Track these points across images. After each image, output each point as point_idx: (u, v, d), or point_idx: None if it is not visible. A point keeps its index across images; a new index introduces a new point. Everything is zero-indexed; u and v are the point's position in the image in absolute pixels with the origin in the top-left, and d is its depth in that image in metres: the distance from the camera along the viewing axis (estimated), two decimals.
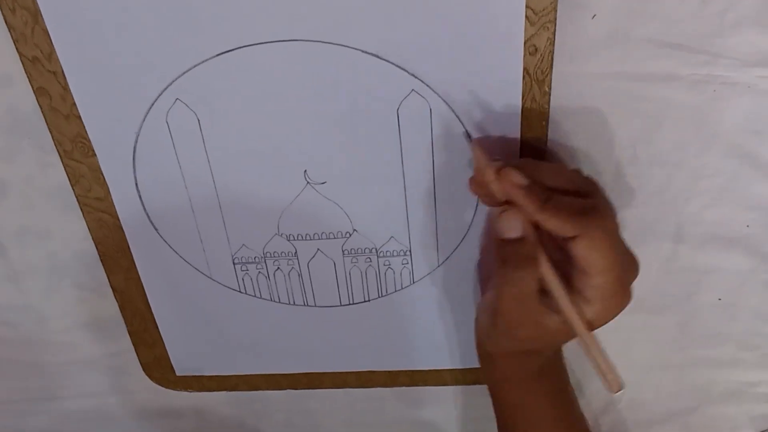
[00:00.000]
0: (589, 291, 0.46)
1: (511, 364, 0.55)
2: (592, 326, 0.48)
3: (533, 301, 0.48)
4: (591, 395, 0.68)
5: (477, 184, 0.49)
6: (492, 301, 0.50)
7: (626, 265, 0.48)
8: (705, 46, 0.49)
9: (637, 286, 0.60)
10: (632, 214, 0.57)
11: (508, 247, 0.47)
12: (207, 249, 0.60)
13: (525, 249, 0.47)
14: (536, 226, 0.47)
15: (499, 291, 0.49)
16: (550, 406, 0.57)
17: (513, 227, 0.47)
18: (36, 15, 0.48)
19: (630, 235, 0.57)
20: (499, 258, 0.48)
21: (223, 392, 0.71)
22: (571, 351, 0.65)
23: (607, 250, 0.45)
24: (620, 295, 0.47)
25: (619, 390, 0.48)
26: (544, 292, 0.48)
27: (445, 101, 0.50)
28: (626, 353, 0.64)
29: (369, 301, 0.62)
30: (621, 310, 0.48)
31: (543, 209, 0.45)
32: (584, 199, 0.47)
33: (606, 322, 0.48)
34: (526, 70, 0.48)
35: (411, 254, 0.59)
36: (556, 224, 0.45)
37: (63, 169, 0.56)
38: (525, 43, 0.47)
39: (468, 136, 0.52)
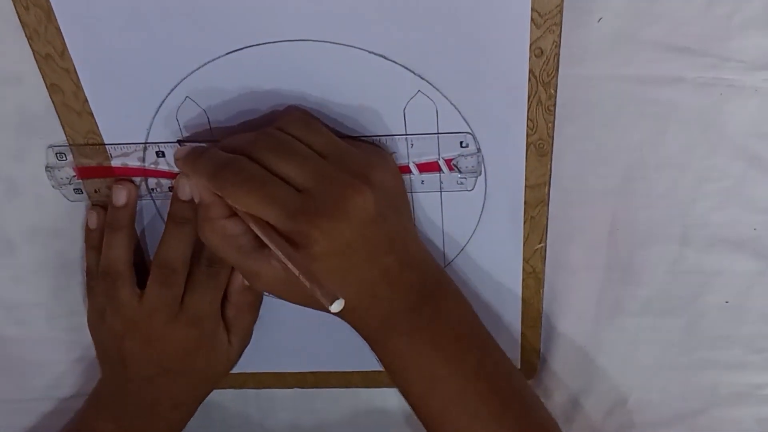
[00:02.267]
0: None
1: (353, 325, 0.55)
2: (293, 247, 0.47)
3: (235, 253, 0.51)
4: (597, 397, 0.68)
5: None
6: None
7: (321, 185, 0.48)
8: (711, 49, 0.49)
9: (644, 288, 0.60)
10: (639, 216, 0.57)
11: (199, 210, 0.52)
12: None
13: (202, 211, 0.51)
14: None
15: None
16: (424, 364, 0.54)
17: (184, 193, 0.55)
18: (49, 13, 0.48)
19: (637, 237, 0.57)
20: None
21: (229, 390, 0.71)
22: (575, 356, 0.65)
23: (247, 202, 0.47)
24: (298, 233, 0.47)
25: (334, 301, 0.44)
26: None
27: (451, 102, 0.51)
28: (633, 355, 0.64)
29: None
30: (319, 243, 0.47)
31: (194, 171, 0.50)
32: (225, 153, 0.49)
33: (320, 258, 0.47)
34: (531, 72, 0.49)
35: None
36: (205, 183, 0.49)
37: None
38: (531, 45, 0.47)
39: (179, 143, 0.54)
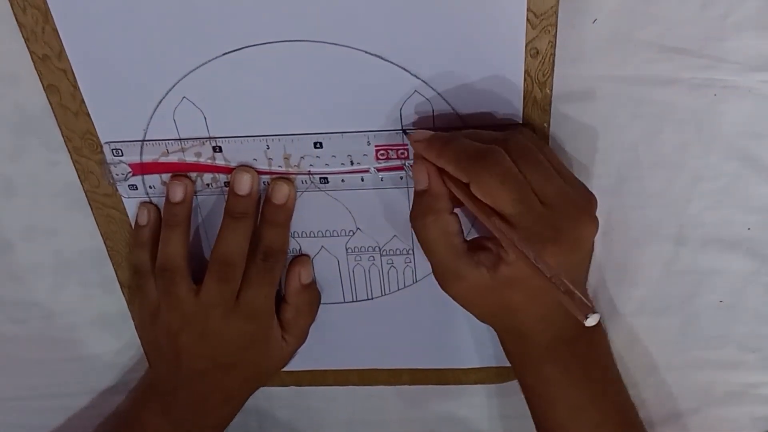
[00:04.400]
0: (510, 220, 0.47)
1: (510, 343, 0.56)
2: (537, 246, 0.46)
3: (447, 250, 0.50)
4: None
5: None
6: None
7: (553, 211, 0.47)
8: (706, 50, 0.49)
9: (639, 288, 0.60)
10: (634, 216, 0.57)
11: (418, 199, 0.50)
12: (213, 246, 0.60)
13: (429, 198, 0.50)
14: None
15: (419, 242, 0.51)
16: (572, 394, 0.55)
17: (419, 180, 0.51)
18: (46, 14, 0.49)
19: (632, 237, 0.57)
20: (412, 211, 0.51)
21: None
22: None
23: (502, 194, 0.46)
24: (541, 242, 0.46)
25: (592, 314, 0.42)
26: (478, 246, 0.50)
27: (447, 102, 0.51)
28: (628, 355, 0.65)
29: (372, 299, 0.62)
30: (559, 262, 0.47)
31: (439, 154, 0.48)
32: (481, 144, 0.47)
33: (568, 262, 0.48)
34: (527, 72, 0.49)
35: (414, 253, 0.59)
36: (452, 169, 0.48)
37: (70, 167, 0.57)
38: (526, 45, 0.48)
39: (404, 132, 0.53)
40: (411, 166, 0.53)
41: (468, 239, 0.51)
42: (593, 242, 0.51)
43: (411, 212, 0.51)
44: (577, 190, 0.49)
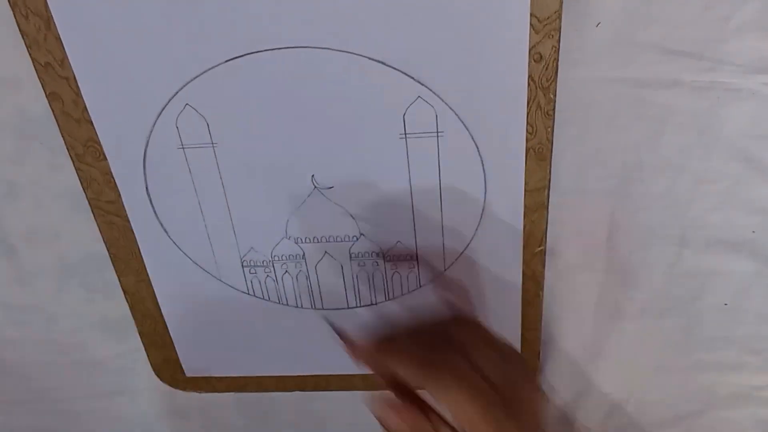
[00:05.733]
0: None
1: None
2: None
3: None
4: (596, 399, 0.68)
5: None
6: None
7: (503, 403, 0.47)
8: (708, 53, 0.49)
9: (643, 290, 0.60)
10: (637, 218, 0.57)
11: None
12: (216, 252, 0.60)
13: None
14: None
15: None
16: None
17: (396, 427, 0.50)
18: (48, 21, 0.49)
19: (635, 239, 0.57)
20: None
21: (230, 393, 0.71)
22: (575, 358, 0.66)
23: (465, 404, 0.45)
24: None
25: None
26: None
27: (450, 108, 0.51)
28: (632, 357, 0.65)
29: (376, 304, 0.62)
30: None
31: (388, 365, 0.48)
32: (430, 353, 0.47)
33: None
34: (531, 77, 0.49)
35: (417, 259, 0.59)
36: (402, 375, 0.47)
37: (72, 171, 0.56)
38: (530, 50, 0.48)
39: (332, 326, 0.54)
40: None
41: None
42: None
43: None
44: (518, 363, 0.50)
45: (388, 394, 0.50)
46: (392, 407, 0.49)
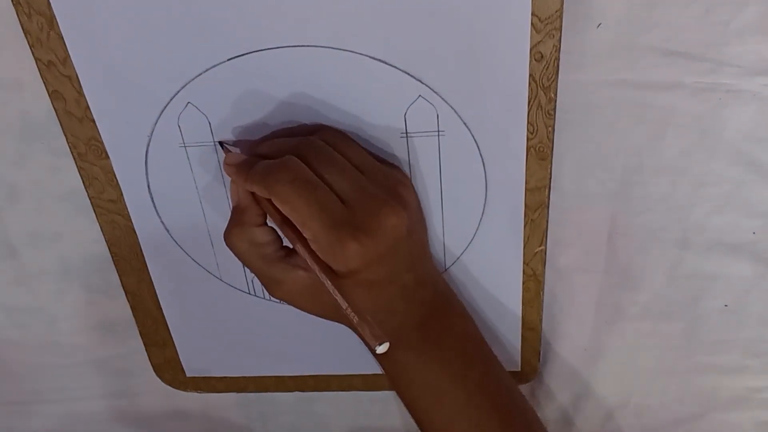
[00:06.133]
0: (311, 244, 0.48)
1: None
2: (335, 276, 0.48)
3: (260, 261, 0.52)
4: (596, 401, 0.68)
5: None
6: None
7: (354, 205, 0.48)
8: (709, 55, 0.49)
9: (643, 292, 0.60)
10: (638, 220, 0.57)
11: (231, 215, 0.52)
12: (218, 251, 0.60)
13: (236, 214, 0.52)
14: None
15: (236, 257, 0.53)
16: (430, 378, 0.54)
17: (233, 196, 0.52)
18: (51, 20, 0.49)
19: (636, 241, 0.57)
20: (225, 229, 0.53)
21: (231, 394, 0.71)
22: (575, 359, 0.65)
23: (296, 201, 0.47)
24: (342, 240, 0.47)
25: (381, 343, 0.46)
26: (293, 252, 0.51)
27: (451, 107, 0.51)
28: (632, 359, 0.65)
29: None
30: (363, 254, 0.48)
31: (246, 180, 0.49)
32: (276, 159, 0.48)
33: (350, 268, 0.48)
34: (531, 76, 0.49)
35: None
36: (258, 191, 0.49)
37: (74, 172, 0.57)
38: (531, 50, 0.48)
39: (221, 145, 0.54)
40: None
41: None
42: (405, 230, 0.50)
43: (224, 230, 0.53)
44: (378, 182, 0.50)
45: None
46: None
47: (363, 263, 0.48)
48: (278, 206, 0.48)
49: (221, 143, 0.54)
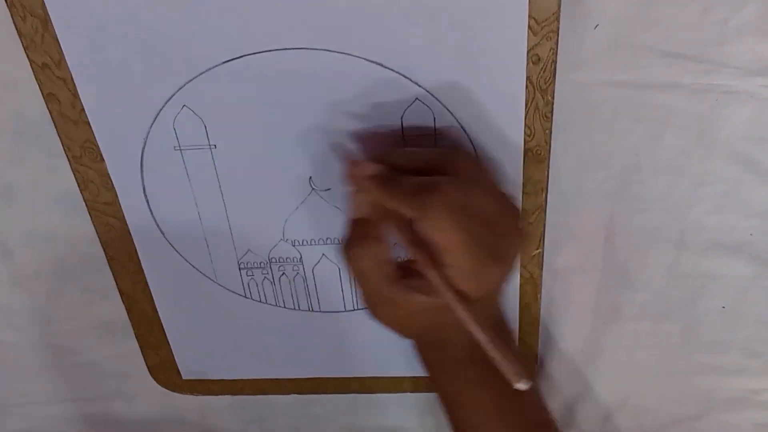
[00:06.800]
0: (449, 270, 0.46)
1: (430, 352, 0.55)
2: (467, 301, 0.47)
3: (381, 280, 0.49)
4: (594, 402, 0.68)
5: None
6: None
7: (492, 231, 0.47)
8: (707, 55, 0.49)
9: (641, 292, 0.60)
10: (635, 221, 0.57)
11: (352, 227, 0.50)
12: (213, 254, 0.60)
13: (364, 227, 0.49)
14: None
15: (349, 270, 0.50)
16: (487, 396, 0.54)
17: (356, 208, 0.50)
18: (46, 22, 0.48)
19: (633, 241, 0.57)
20: (345, 238, 0.50)
21: (227, 396, 0.71)
22: (573, 361, 0.65)
23: (449, 228, 0.45)
24: (485, 268, 0.46)
25: (523, 382, 0.45)
26: (409, 273, 0.49)
27: (448, 110, 0.51)
28: (630, 360, 0.65)
29: None
30: (497, 280, 0.48)
31: (385, 193, 0.47)
32: (427, 177, 0.47)
33: (485, 295, 0.48)
34: (529, 79, 0.49)
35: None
36: (397, 206, 0.46)
37: (70, 173, 0.56)
38: (528, 52, 0.48)
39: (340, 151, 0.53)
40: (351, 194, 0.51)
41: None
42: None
43: (343, 240, 0.50)
44: (506, 205, 0.49)
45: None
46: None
47: (494, 290, 0.49)
48: (424, 231, 0.46)
49: (340, 149, 0.52)
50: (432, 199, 0.45)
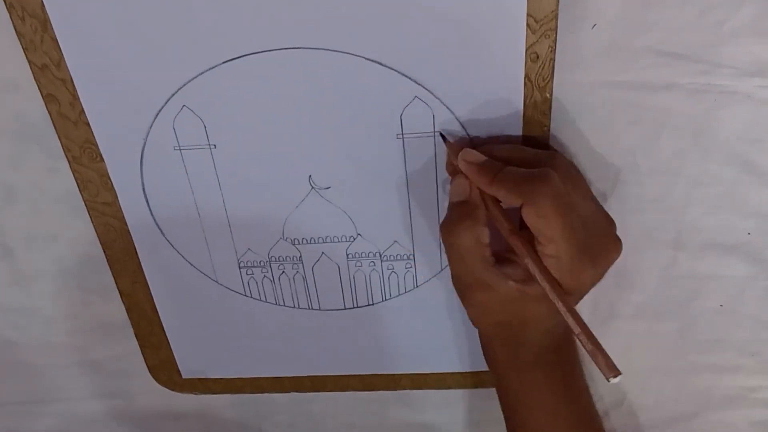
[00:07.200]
0: (547, 260, 0.47)
1: (501, 350, 0.56)
2: (566, 295, 0.48)
3: (477, 260, 0.50)
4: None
5: (448, 165, 0.53)
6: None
7: (589, 233, 0.48)
8: (704, 56, 0.49)
9: (638, 292, 0.60)
10: (632, 221, 0.57)
11: (452, 209, 0.51)
12: (213, 253, 0.60)
13: (466, 208, 0.50)
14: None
15: (446, 250, 0.51)
16: (550, 399, 0.56)
17: (459, 192, 0.51)
18: (45, 23, 0.49)
19: (630, 242, 0.57)
20: (446, 220, 0.51)
21: (227, 395, 0.71)
22: None
23: (554, 217, 0.46)
24: (581, 264, 0.48)
25: (615, 375, 0.47)
26: (503, 259, 0.50)
27: (447, 108, 0.51)
28: (627, 359, 0.64)
29: (373, 304, 0.62)
30: (590, 281, 0.49)
31: (491, 181, 0.48)
32: (535, 169, 0.48)
33: (576, 292, 0.49)
34: (527, 76, 0.49)
35: (414, 258, 0.59)
36: (504, 194, 0.48)
37: (69, 174, 0.56)
38: (527, 50, 0.48)
39: (443, 137, 0.53)
40: (450, 178, 0.53)
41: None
42: None
43: (444, 221, 0.51)
44: (604, 213, 0.51)
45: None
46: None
47: (582, 291, 0.50)
48: (529, 217, 0.47)
49: (442, 135, 0.52)
50: (541, 186, 0.46)
